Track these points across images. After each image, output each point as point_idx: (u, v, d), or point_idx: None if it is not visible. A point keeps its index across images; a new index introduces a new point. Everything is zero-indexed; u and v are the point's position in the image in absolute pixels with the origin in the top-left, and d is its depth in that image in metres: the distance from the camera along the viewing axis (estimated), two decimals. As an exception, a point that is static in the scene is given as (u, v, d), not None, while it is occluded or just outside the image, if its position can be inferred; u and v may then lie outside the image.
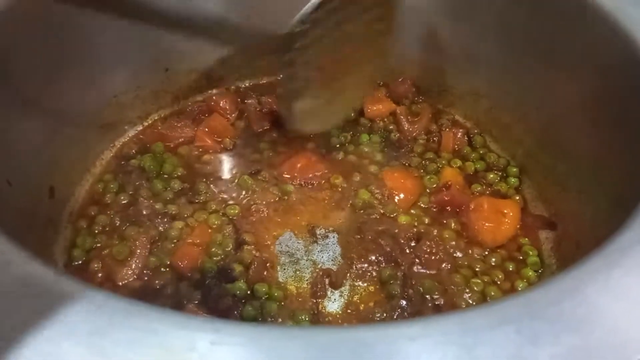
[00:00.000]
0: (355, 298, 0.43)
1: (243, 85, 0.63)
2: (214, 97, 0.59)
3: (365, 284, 0.44)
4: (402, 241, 0.47)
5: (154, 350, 0.20)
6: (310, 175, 0.51)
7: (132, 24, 0.51)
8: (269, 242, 0.47)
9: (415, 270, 0.45)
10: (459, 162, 0.54)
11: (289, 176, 0.52)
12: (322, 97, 0.47)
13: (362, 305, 0.43)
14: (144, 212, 0.48)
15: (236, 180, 0.52)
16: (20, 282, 0.23)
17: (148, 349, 0.20)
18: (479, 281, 0.44)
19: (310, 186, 0.51)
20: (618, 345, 0.21)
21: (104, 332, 0.20)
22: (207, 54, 0.59)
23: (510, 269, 0.46)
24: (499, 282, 0.44)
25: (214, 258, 0.45)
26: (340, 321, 0.42)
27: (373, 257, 0.46)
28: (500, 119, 0.56)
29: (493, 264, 0.46)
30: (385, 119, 0.58)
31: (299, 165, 0.52)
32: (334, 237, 0.47)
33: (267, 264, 0.45)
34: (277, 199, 0.50)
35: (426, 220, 0.49)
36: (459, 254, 0.46)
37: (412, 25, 0.57)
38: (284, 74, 0.43)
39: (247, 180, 0.51)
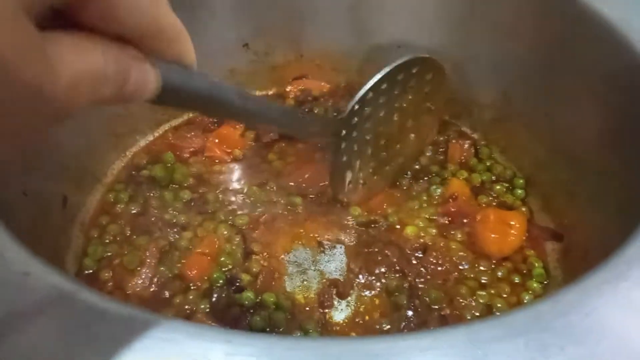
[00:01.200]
0: (362, 308, 0.44)
1: (252, 96, 0.64)
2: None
3: (372, 294, 0.44)
4: (409, 252, 0.47)
5: (169, 359, 0.21)
6: (320, 186, 0.52)
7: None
8: (277, 253, 0.47)
9: (422, 280, 0.45)
10: (465, 174, 0.55)
11: (297, 187, 0.52)
12: (370, 168, 0.50)
13: (369, 316, 0.43)
14: (154, 222, 0.48)
15: (245, 191, 0.52)
16: (40, 293, 0.23)
17: (163, 358, 0.21)
18: (485, 293, 0.44)
19: (318, 196, 0.52)
20: (625, 357, 0.22)
21: (120, 341, 0.21)
22: (217, 64, 0.60)
23: (517, 281, 0.46)
24: (505, 295, 0.45)
25: (223, 268, 0.45)
26: (347, 330, 0.42)
27: (380, 268, 0.46)
28: (507, 129, 0.57)
29: (500, 276, 0.46)
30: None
31: (307, 175, 0.52)
32: (341, 247, 0.48)
33: (275, 274, 0.45)
34: (285, 209, 0.50)
35: (433, 232, 0.49)
36: (465, 266, 0.46)
37: (417, 36, 0.58)
38: (333, 152, 0.45)
39: (256, 190, 0.52)
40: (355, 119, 0.44)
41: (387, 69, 0.43)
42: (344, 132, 0.43)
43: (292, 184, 0.52)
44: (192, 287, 0.44)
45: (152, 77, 0.21)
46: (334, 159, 0.45)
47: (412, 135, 0.52)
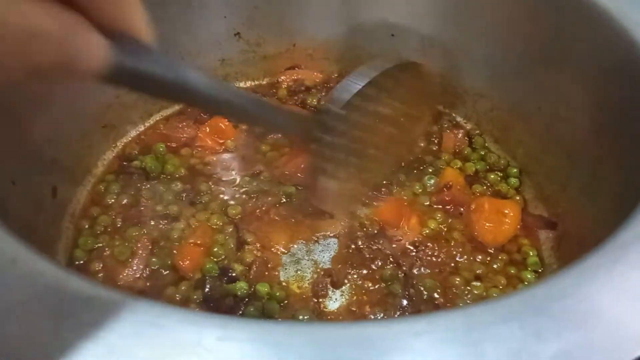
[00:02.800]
0: (356, 298, 0.43)
1: (245, 86, 0.63)
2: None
3: (367, 284, 0.44)
4: (404, 241, 0.47)
5: (161, 345, 0.20)
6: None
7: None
8: (270, 243, 0.47)
9: (417, 271, 0.45)
10: (459, 163, 0.54)
11: (291, 177, 0.52)
12: (347, 175, 0.44)
13: (363, 305, 0.43)
14: (146, 213, 0.48)
15: (238, 181, 0.52)
16: (27, 280, 0.23)
17: (155, 343, 0.20)
18: (480, 284, 0.44)
19: (312, 187, 0.51)
20: (620, 341, 0.22)
21: (110, 327, 0.21)
22: (208, 54, 0.60)
23: (512, 272, 0.46)
24: (500, 287, 0.45)
25: (215, 259, 0.45)
26: (341, 319, 0.42)
27: (374, 257, 0.46)
28: (501, 119, 0.57)
29: (496, 268, 0.46)
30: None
31: (302, 166, 0.52)
32: (335, 237, 0.48)
33: (269, 264, 0.45)
34: (279, 199, 0.50)
35: (428, 222, 0.49)
36: (460, 256, 0.46)
37: (411, 25, 0.57)
38: (313, 150, 0.40)
39: (249, 180, 0.51)
40: (332, 121, 0.39)
41: (372, 74, 0.38)
42: (318, 132, 0.38)
43: (286, 173, 0.52)
44: (184, 278, 0.44)
45: (100, 48, 0.19)
46: (312, 160, 0.41)
47: (396, 143, 0.48)
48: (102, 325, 0.21)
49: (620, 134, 0.41)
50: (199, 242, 0.46)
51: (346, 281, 0.44)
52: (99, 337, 0.20)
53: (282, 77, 0.63)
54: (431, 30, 0.57)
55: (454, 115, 0.60)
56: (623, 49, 0.41)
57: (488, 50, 0.55)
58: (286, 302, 0.43)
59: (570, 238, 0.45)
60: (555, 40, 0.48)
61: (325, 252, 0.47)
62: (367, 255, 0.46)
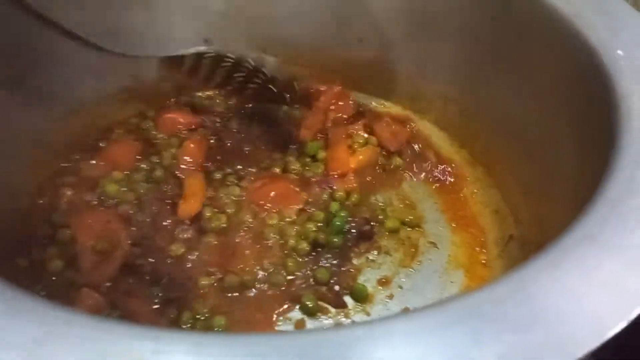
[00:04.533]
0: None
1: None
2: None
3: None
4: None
5: (95, 358, 0.20)
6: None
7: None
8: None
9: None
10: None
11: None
12: None
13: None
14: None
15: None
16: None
17: (89, 357, 0.20)
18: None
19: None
20: (560, 342, 0.22)
21: (42, 341, 0.20)
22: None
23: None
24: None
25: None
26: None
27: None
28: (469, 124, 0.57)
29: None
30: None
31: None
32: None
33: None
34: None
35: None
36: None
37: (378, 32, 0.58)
38: None
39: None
40: None
41: None
42: None
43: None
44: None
45: None
46: None
47: None
48: (33, 338, 0.20)
49: (576, 139, 0.41)
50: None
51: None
52: (30, 350, 0.20)
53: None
54: (397, 36, 0.58)
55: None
56: (579, 54, 0.42)
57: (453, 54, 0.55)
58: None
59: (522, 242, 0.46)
60: (514, 46, 0.48)
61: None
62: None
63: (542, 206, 0.47)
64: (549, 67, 0.46)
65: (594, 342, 0.21)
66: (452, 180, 0.55)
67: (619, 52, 0.37)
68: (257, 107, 0.60)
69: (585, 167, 0.40)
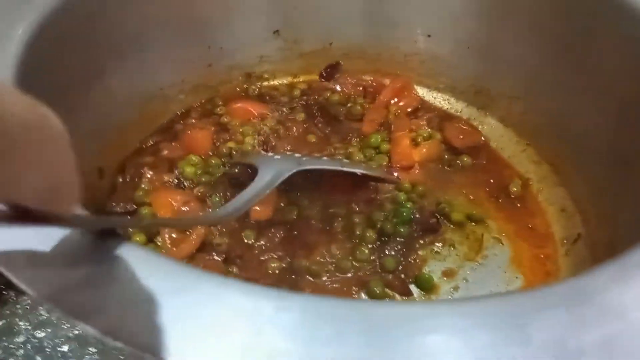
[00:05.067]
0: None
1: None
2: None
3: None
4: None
5: (224, 311, 0.21)
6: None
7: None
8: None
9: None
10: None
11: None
12: None
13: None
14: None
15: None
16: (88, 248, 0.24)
17: (218, 310, 0.22)
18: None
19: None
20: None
21: (171, 295, 0.22)
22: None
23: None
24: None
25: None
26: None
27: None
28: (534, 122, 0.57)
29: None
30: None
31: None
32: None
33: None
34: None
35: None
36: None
37: (448, 28, 0.58)
38: None
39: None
40: None
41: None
42: None
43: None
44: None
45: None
46: None
47: None
48: (160, 294, 0.22)
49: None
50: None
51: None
52: (158, 307, 0.22)
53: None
54: (465, 33, 0.58)
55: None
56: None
57: (520, 51, 0.55)
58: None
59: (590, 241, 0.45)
60: (587, 40, 0.48)
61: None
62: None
63: (611, 206, 0.47)
64: (617, 64, 0.45)
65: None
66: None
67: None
68: (320, 100, 0.61)
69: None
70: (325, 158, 0.53)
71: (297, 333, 0.21)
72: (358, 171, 0.49)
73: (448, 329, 0.21)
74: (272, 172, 0.44)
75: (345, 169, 0.49)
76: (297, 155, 0.52)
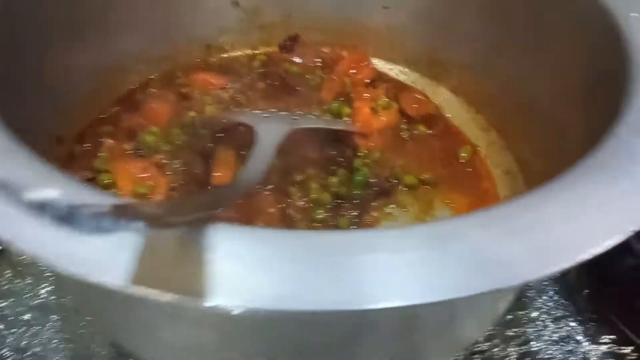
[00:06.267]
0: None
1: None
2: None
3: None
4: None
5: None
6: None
7: None
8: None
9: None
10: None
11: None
12: None
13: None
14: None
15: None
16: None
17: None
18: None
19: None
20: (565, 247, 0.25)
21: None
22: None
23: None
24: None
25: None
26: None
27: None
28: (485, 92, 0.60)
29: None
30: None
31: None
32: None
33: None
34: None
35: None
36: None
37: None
38: None
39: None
40: None
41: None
42: None
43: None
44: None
45: None
46: None
47: None
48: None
49: (588, 100, 0.44)
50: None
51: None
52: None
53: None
54: (422, 6, 0.60)
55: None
56: (604, 27, 0.44)
57: (476, 26, 0.57)
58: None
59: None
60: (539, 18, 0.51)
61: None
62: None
63: (550, 166, 0.50)
64: (562, 32, 0.48)
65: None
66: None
67: (634, 14, 0.39)
68: (279, 71, 0.63)
69: (594, 126, 0.42)
70: (311, 116, 0.55)
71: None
72: (340, 128, 0.53)
73: (380, 250, 0.23)
74: (271, 131, 0.45)
75: (332, 127, 0.53)
76: (282, 113, 0.54)
